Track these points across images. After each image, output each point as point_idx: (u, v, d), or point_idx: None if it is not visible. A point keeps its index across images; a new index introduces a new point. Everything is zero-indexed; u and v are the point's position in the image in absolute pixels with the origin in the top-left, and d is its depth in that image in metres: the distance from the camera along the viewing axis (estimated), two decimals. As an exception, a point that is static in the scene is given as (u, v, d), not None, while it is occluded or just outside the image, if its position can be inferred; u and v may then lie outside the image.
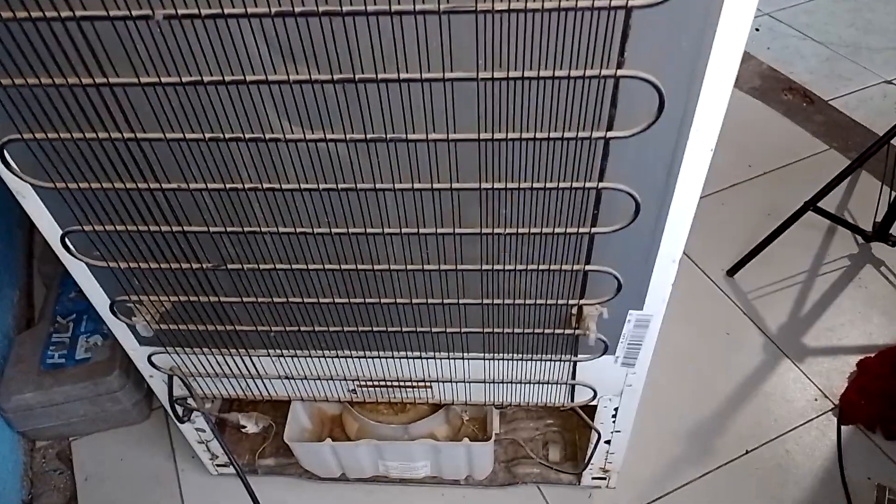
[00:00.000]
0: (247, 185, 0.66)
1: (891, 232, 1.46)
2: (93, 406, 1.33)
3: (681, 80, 0.58)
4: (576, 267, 0.73)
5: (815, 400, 1.37)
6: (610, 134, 0.59)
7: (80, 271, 0.81)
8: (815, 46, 2.43)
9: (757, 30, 2.57)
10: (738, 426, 1.34)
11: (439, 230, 0.69)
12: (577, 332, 0.82)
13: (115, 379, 1.29)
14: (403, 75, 0.55)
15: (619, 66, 0.55)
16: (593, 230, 0.69)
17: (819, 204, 1.50)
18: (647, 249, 0.75)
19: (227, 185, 0.66)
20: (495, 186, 0.64)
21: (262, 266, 0.75)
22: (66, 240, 0.74)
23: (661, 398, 1.38)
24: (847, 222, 1.55)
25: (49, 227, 0.74)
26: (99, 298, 0.85)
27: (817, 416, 1.34)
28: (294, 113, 0.61)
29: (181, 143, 0.62)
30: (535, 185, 0.64)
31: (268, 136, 0.61)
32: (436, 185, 0.64)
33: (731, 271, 1.63)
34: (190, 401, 1.05)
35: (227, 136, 0.61)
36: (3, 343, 1.40)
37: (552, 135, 0.59)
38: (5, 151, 0.64)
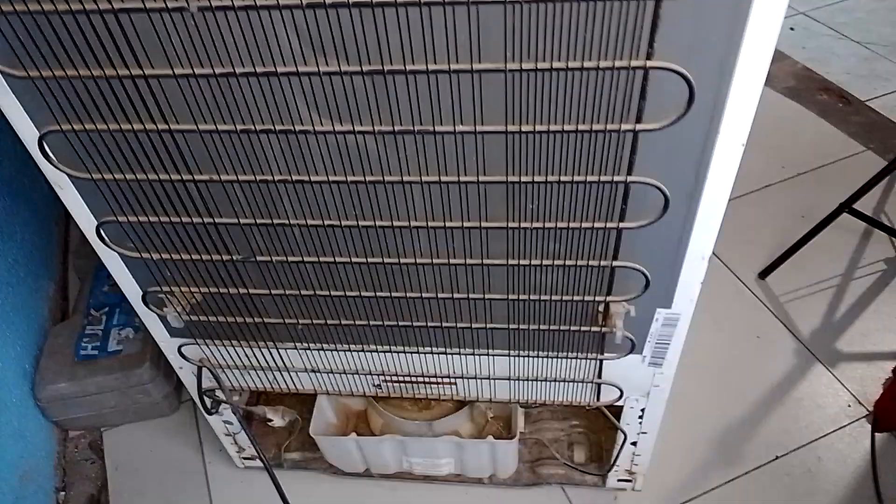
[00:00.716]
0: (276, 177, 0.67)
1: (929, 235, 1.43)
2: (123, 397, 1.36)
3: (711, 74, 0.57)
4: (603, 263, 0.73)
5: (849, 406, 1.34)
6: (639, 127, 0.58)
7: (113, 262, 0.83)
8: (853, 46, 2.37)
9: (792, 29, 2.52)
10: (767, 432, 1.31)
11: (465, 224, 0.69)
12: (603, 329, 0.81)
13: (145, 371, 1.32)
14: (432, 66, 0.55)
15: (649, 57, 0.55)
16: (621, 225, 0.68)
17: (855, 206, 1.46)
18: (675, 246, 0.74)
19: (258, 177, 0.67)
20: (522, 180, 0.64)
21: (290, 258, 0.76)
22: (101, 230, 0.76)
23: (689, 401, 1.36)
24: (884, 225, 1.52)
25: (85, 218, 0.76)
26: (131, 289, 0.87)
27: (850, 423, 1.31)
28: (324, 105, 0.62)
29: (213, 134, 0.63)
30: (563, 178, 0.64)
31: (298, 128, 0.61)
32: (462, 179, 0.64)
33: (763, 274, 1.61)
34: (218, 393, 1.06)
35: (258, 127, 0.62)
36: (39, 335, 1.44)
37: (580, 127, 0.59)
38: (45, 143, 0.66)
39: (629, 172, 0.64)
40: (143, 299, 0.85)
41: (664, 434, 1.28)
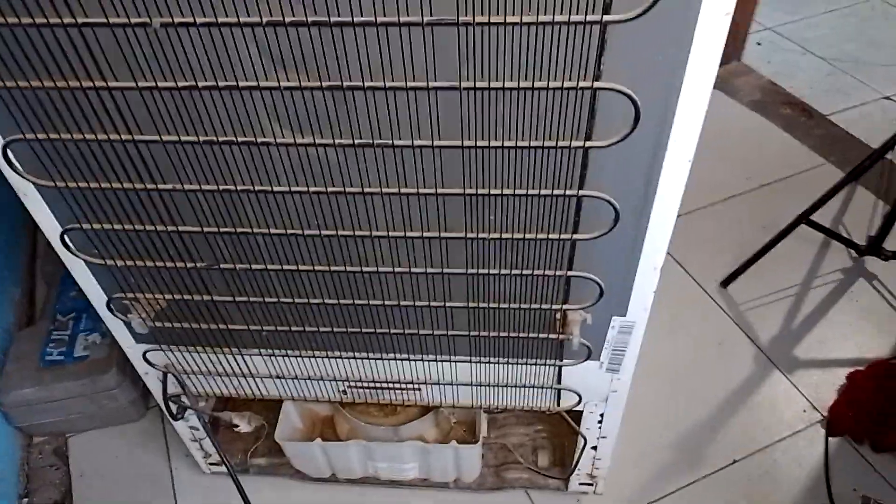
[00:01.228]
0: (239, 187, 0.68)
1: (884, 246, 1.48)
2: (90, 403, 1.35)
3: (658, 93, 0.60)
4: (558, 273, 0.75)
5: (804, 411, 1.38)
6: (588, 144, 0.61)
7: (78, 268, 0.83)
8: (816, 61, 2.44)
9: (759, 44, 2.59)
10: (726, 436, 1.35)
11: (425, 234, 0.71)
12: (560, 336, 0.83)
13: (111, 377, 1.32)
14: (389, 84, 0.57)
15: (597, 78, 0.57)
16: (574, 237, 0.71)
17: (814, 217, 1.51)
18: (628, 257, 0.77)
19: (221, 187, 0.68)
20: (479, 192, 0.66)
21: (253, 266, 0.77)
22: (66, 237, 0.76)
23: (651, 406, 1.39)
24: (841, 236, 1.56)
25: (49, 225, 0.77)
26: (96, 295, 0.87)
27: (805, 428, 1.35)
28: (285, 117, 0.63)
29: (176, 144, 0.65)
30: (518, 191, 0.66)
31: (259, 139, 0.63)
32: (421, 191, 0.66)
33: (725, 282, 1.65)
34: (184, 398, 1.07)
35: (220, 138, 0.63)
36: (5, 339, 1.43)
37: (532, 143, 0.61)
38: (9, 151, 0.67)
39: (581, 187, 0.67)
40: (108, 305, 0.86)
41: (625, 438, 1.31)
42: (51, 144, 0.66)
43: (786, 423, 1.37)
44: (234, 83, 0.59)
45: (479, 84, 0.56)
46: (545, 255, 0.75)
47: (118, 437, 1.41)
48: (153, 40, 0.57)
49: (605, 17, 0.51)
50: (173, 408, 1.07)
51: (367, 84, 0.57)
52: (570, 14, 0.51)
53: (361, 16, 0.53)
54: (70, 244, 0.77)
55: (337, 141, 0.62)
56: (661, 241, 0.75)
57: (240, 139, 0.63)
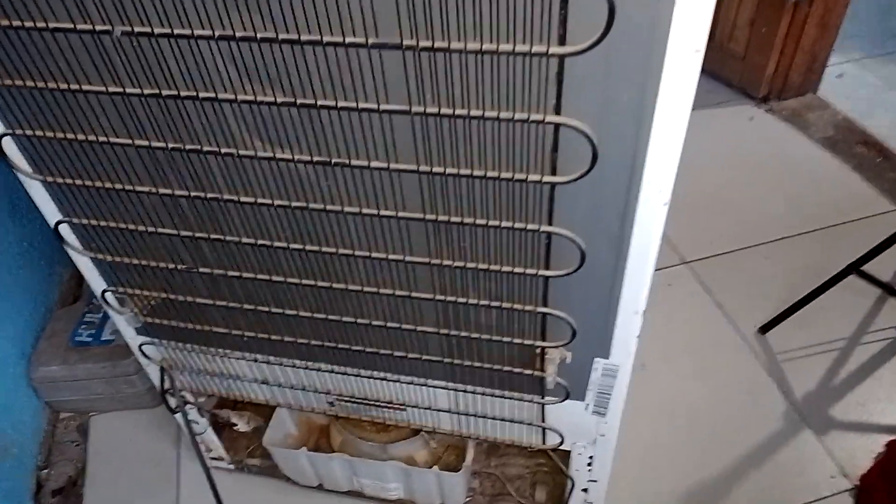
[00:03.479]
0: (208, 194, 0.69)
1: (942, 306, 1.35)
2: (110, 386, 1.41)
3: (625, 132, 0.57)
4: (527, 307, 0.72)
5: (832, 477, 1.28)
6: (546, 178, 0.58)
7: (78, 259, 0.87)
8: (902, 100, 2.28)
9: (839, 76, 2.44)
10: (742, 494, 1.27)
11: (389, 256, 0.70)
12: (535, 373, 0.80)
13: (131, 363, 1.37)
14: (342, 103, 0.56)
15: (557, 112, 0.55)
16: (540, 273, 0.68)
17: (867, 268, 1.40)
18: (606, 298, 0.73)
19: (192, 193, 0.69)
20: (438, 219, 0.64)
21: (230, 272, 0.78)
22: (59, 229, 0.80)
23: (665, 451, 1.33)
24: (894, 290, 1.45)
25: (48, 215, 0.80)
26: (96, 286, 0.90)
27: (832, 496, 1.25)
28: (257, 129, 0.64)
29: (149, 150, 0.66)
30: (479, 221, 0.64)
31: (224, 149, 0.64)
32: (382, 213, 0.65)
33: (764, 328, 1.55)
34: (185, 393, 1.09)
35: (186, 146, 0.64)
36: (47, 318, 1.51)
37: (489, 174, 0.59)
38: (2, 144, 0.70)
39: (549, 222, 0.64)
40: (102, 296, 0.89)
41: (632, 481, 1.25)
42: (38, 141, 0.69)
43: (810, 487, 1.27)
44: (209, 94, 0.59)
45: (429, 110, 0.54)
46: (517, 288, 0.72)
47: (135, 421, 1.47)
48: (128, 49, 0.58)
49: (553, 49, 0.48)
50: (174, 401, 1.09)
51: (319, 103, 0.57)
52: (514, 44, 0.48)
53: (328, 35, 0.52)
54: (63, 235, 0.81)
55: (297, 157, 0.62)
56: (641, 285, 0.71)
57: (205, 148, 0.64)
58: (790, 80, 2.23)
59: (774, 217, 1.83)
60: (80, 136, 0.65)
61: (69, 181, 0.72)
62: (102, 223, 0.76)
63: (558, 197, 0.62)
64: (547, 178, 0.58)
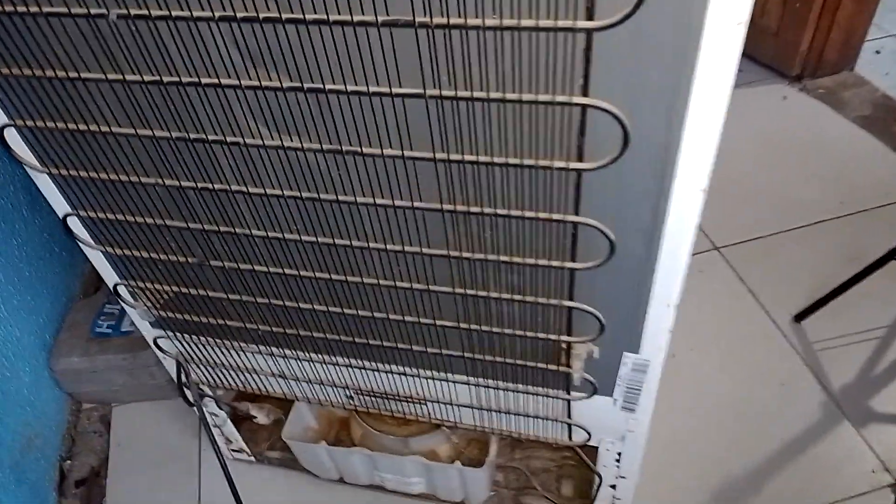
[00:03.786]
0: (216, 186, 0.66)
1: None
2: (131, 377, 1.40)
3: (659, 113, 0.52)
4: (552, 301, 0.68)
5: (873, 472, 1.22)
6: (572, 165, 0.54)
7: (89, 252, 0.85)
8: (945, 76, 2.18)
9: (877, 52, 2.34)
10: (776, 490, 1.22)
11: (406, 248, 0.66)
12: (560, 368, 0.76)
13: (151, 354, 1.34)
14: (352, 87, 0.53)
15: (584, 93, 0.50)
16: (567, 265, 0.64)
17: (911, 253, 1.34)
18: (636, 291, 0.68)
19: (199, 184, 0.66)
20: (457, 209, 0.60)
21: (241, 266, 0.76)
22: (67, 221, 0.77)
23: (694, 445, 1.28)
24: (940, 277, 1.37)
25: (57, 208, 0.78)
26: (109, 279, 0.89)
27: (871, 491, 1.20)
28: (262, 116, 0.60)
29: (153, 139, 0.63)
30: (499, 211, 0.60)
31: (229, 139, 0.61)
32: (397, 203, 0.62)
33: (800, 317, 1.49)
34: (204, 387, 1.08)
35: (191, 135, 0.61)
36: (68, 308, 1.51)
37: (510, 161, 0.55)
38: (4, 135, 0.68)
39: (575, 211, 0.60)
40: (115, 290, 0.87)
41: (660, 476, 1.21)
42: (40, 132, 0.66)
43: (848, 483, 1.21)
44: (196, 79, 0.56)
45: (445, 93, 0.50)
46: (542, 281, 0.68)
47: (157, 412, 1.46)
48: (125, 33, 0.55)
49: (580, 24, 0.44)
50: (189, 394, 1.08)
51: (328, 87, 0.53)
52: (537, 19, 0.44)
53: (335, 14, 0.49)
54: (73, 229, 0.78)
55: (306, 145, 0.59)
56: (675, 276, 0.67)
57: (210, 137, 0.61)
58: (825, 57, 2.13)
59: (809, 200, 1.75)
60: (82, 126, 0.62)
61: (73, 173, 0.69)
62: (110, 216, 0.73)
63: (585, 184, 0.58)
64: (573, 165, 0.54)
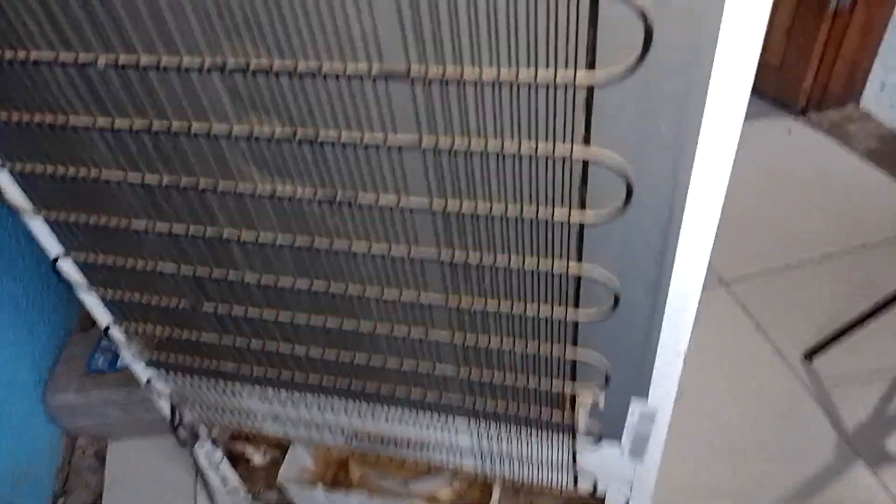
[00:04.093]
0: (208, 231, 0.65)
1: None
2: (126, 413, 1.38)
3: (664, 164, 0.51)
4: (555, 349, 0.66)
5: (888, 517, 1.19)
6: (574, 216, 0.52)
7: (83, 293, 0.83)
8: (951, 108, 2.16)
9: (883, 86, 2.33)
10: (788, 534, 1.18)
11: (402, 296, 0.64)
12: (564, 417, 0.74)
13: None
14: (345, 136, 0.51)
15: (586, 143, 0.49)
16: (569, 315, 0.61)
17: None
18: (644, 338, 0.66)
19: (191, 228, 0.65)
20: (455, 257, 0.59)
21: (235, 308, 0.74)
22: (58, 263, 0.76)
23: (705, 486, 1.25)
24: (953, 315, 1.35)
25: (48, 250, 0.77)
26: (101, 320, 0.87)
27: (887, 538, 1.16)
28: (258, 160, 0.59)
29: (145, 182, 0.62)
30: (499, 260, 0.58)
31: (221, 185, 0.59)
32: (394, 251, 0.60)
33: (810, 354, 1.46)
34: (198, 428, 1.05)
35: (182, 181, 0.60)
36: (66, 340, 1.49)
37: (509, 210, 0.53)
38: (-5, 177, 0.66)
39: (578, 260, 0.58)
40: (106, 332, 0.85)
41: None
42: (31, 175, 0.65)
43: (863, 528, 1.18)
44: (188, 126, 0.55)
45: (441, 143, 0.49)
46: (544, 328, 0.66)
47: (152, 448, 1.43)
48: (115, 80, 0.54)
49: (580, 78, 0.42)
50: (182, 435, 1.05)
51: (321, 136, 0.52)
52: (535, 71, 0.43)
53: (328, 62, 0.47)
54: (63, 270, 0.77)
55: (299, 192, 0.57)
56: (683, 324, 0.64)
57: (201, 182, 0.59)
58: (830, 90, 2.13)
59: (816, 234, 1.73)
60: (72, 171, 0.61)
61: (63, 217, 0.68)
62: (101, 259, 0.72)
63: (588, 234, 0.56)
64: (575, 216, 0.52)
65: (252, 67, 0.49)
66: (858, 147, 2.04)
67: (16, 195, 0.69)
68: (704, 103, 0.47)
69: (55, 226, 0.72)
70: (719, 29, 0.43)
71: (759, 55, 0.44)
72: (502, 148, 0.48)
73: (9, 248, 1.33)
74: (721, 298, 1.60)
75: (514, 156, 0.51)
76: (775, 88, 2.19)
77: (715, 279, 1.64)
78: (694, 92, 0.46)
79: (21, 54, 0.52)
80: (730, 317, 1.55)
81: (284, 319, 0.72)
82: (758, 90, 2.24)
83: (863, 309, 1.36)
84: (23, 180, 0.67)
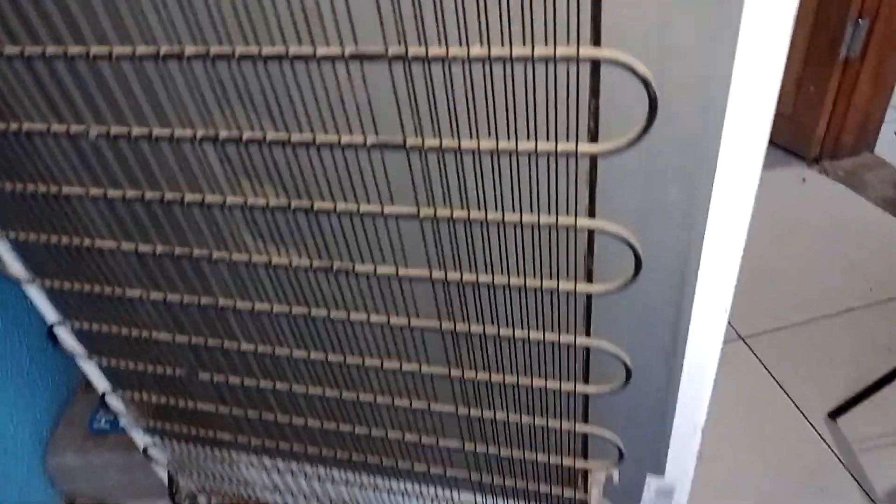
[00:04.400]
0: (204, 299, 0.63)
1: None
2: (126, 475, 1.34)
3: (674, 233, 0.48)
4: (565, 425, 0.62)
5: None
6: (581, 288, 0.49)
7: (81, 360, 0.81)
8: (969, 155, 2.14)
9: (896, 134, 2.31)
10: None
11: (404, 366, 0.62)
12: (576, 494, 0.70)
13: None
14: (341, 206, 0.49)
15: (591, 214, 0.47)
16: (579, 389, 0.58)
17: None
18: (659, 413, 0.63)
19: (185, 297, 0.63)
20: (456, 328, 0.56)
21: (231, 378, 0.71)
22: (54, 331, 0.74)
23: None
24: None
25: (46, 317, 0.75)
26: (99, 387, 0.84)
27: None
28: (255, 228, 0.57)
29: (136, 254, 0.60)
30: (502, 332, 0.55)
31: (215, 255, 0.57)
32: (393, 321, 0.57)
33: (835, 414, 1.40)
34: (200, 498, 1.01)
35: (176, 251, 0.58)
36: (69, 400, 1.46)
37: (512, 281, 0.51)
38: (-11, 246, 0.65)
39: (587, 333, 0.55)
40: (102, 401, 0.82)
41: None
42: (25, 243, 0.63)
43: None
44: (181, 196, 0.53)
45: (440, 213, 0.47)
46: (553, 401, 0.63)
47: (152, 512, 1.38)
48: (107, 150, 0.53)
49: (582, 148, 0.41)
50: (181, 502, 1.02)
51: (316, 206, 0.50)
52: (535, 141, 0.41)
53: (321, 134, 0.46)
54: (59, 338, 0.75)
55: (295, 262, 0.55)
56: (699, 400, 0.61)
57: (195, 252, 0.57)
58: (843, 139, 2.11)
59: (836, 287, 1.68)
60: (65, 240, 0.60)
61: (58, 285, 0.66)
62: (96, 326, 0.70)
63: (597, 306, 0.53)
64: (582, 288, 0.49)
65: (245, 138, 0.48)
66: (874, 195, 2.01)
67: (12, 262, 0.67)
68: (715, 169, 0.44)
69: (51, 293, 0.70)
70: (728, 95, 0.41)
71: (771, 117, 0.42)
72: (503, 219, 0.46)
73: (13, 305, 1.32)
74: (739, 354, 1.55)
75: (515, 226, 0.49)
76: (787, 137, 2.18)
77: (733, 333, 1.60)
78: (704, 158, 0.44)
79: (14, 125, 0.51)
80: (749, 374, 1.49)
81: (282, 389, 0.70)
82: (770, 139, 2.22)
83: (889, 366, 1.31)
84: (18, 248, 0.65)
